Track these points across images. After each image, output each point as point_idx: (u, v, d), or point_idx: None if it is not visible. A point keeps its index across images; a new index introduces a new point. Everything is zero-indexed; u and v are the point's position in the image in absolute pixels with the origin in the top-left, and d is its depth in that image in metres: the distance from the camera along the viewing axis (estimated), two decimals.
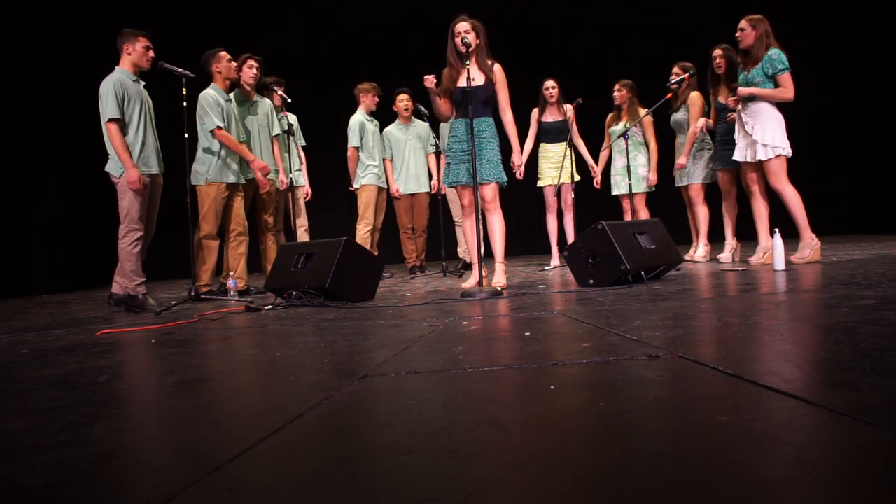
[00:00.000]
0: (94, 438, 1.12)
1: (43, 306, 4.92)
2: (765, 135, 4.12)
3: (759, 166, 4.28)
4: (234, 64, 4.51)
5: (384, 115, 5.95)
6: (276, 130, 5.01)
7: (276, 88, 5.07)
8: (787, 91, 4.07)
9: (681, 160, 5.07)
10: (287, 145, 4.85)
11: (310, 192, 5.48)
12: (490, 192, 3.68)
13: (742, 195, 4.87)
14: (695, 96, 5.02)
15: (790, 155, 4.14)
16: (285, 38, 8.29)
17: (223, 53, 4.46)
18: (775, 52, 4.07)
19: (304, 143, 5.58)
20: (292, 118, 5.45)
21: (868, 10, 8.22)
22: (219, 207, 4.36)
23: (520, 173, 3.96)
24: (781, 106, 4.19)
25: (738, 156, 4.36)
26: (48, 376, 1.79)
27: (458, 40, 3.58)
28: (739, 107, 4.29)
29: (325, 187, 5.70)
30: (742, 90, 4.18)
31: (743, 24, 4.18)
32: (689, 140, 5.03)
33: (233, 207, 4.47)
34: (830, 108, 8.73)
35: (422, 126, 5.91)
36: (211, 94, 4.34)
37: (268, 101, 4.95)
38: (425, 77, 3.61)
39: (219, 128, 4.26)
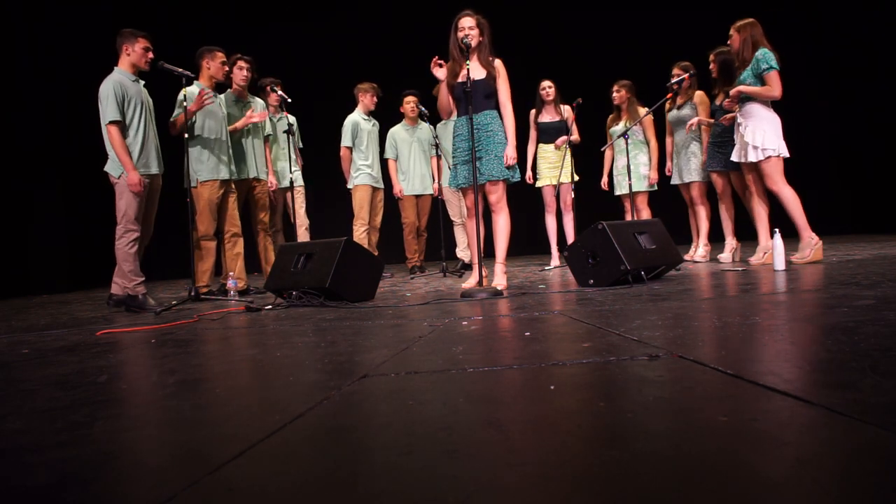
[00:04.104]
0: (94, 438, 1.12)
1: (43, 306, 4.92)
2: (755, 136, 4.14)
3: (757, 167, 4.29)
4: (226, 68, 4.49)
5: (389, 117, 5.96)
6: (269, 131, 5.02)
7: (275, 88, 5.07)
8: (773, 89, 4.08)
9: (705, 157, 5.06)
10: (288, 145, 4.85)
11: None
12: (497, 191, 3.64)
13: (737, 195, 4.89)
14: (702, 94, 5.06)
15: (786, 156, 4.14)
16: (289, 37, 8.30)
17: (219, 53, 4.45)
18: (762, 53, 4.11)
19: (301, 145, 5.57)
20: (291, 119, 5.45)
21: (867, 8, 8.22)
22: (213, 208, 4.36)
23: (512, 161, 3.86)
24: (776, 107, 4.21)
25: (734, 157, 4.40)
26: (48, 376, 1.79)
27: (459, 36, 3.56)
28: (737, 108, 4.32)
29: (326, 187, 5.70)
30: (733, 91, 4.25)
31: (731, 31, 4.30)
32: (705, 135, 5.04)
33: (227, 208, 4.47)
34: (830, 107, 8.73)
35: (425, 128, 5.93)
36: (193, 92, 4.29)
37: (260, 101, 4.95)
38: (434, 60, 3.58)
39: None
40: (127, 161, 3.78)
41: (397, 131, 5.90)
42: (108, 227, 4.13)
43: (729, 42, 4.34)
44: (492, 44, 3.69)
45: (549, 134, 5.54)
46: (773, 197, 4.33)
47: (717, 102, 4.82)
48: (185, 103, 4.10)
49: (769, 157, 4.11)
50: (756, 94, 4.14)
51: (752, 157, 4.18)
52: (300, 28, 8.50)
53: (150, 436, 1.16)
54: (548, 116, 5.55)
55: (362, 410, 1.23)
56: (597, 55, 8.31)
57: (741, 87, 4.19)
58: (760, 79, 4.13)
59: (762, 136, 4.13)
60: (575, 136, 5.50)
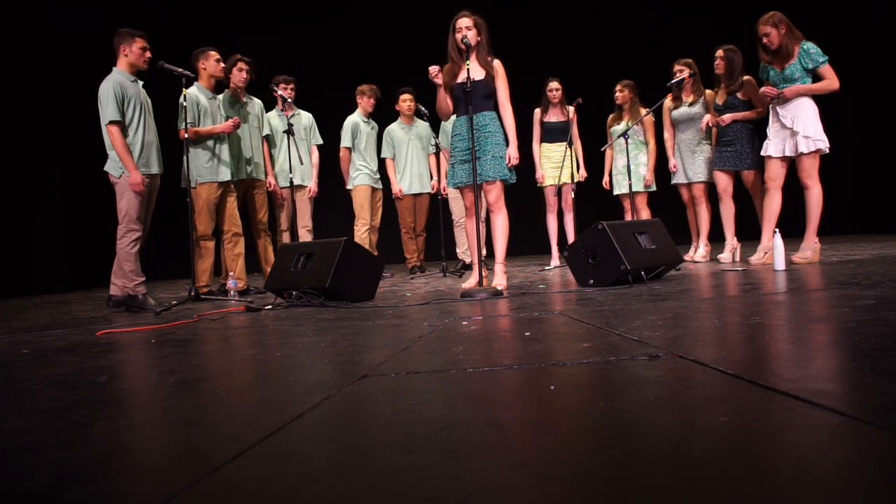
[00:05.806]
0: (94, 438, 1.12)
1: (43, 306, 4.92)
2: (807, 127, 4.08)
3: (788, 162, 4.22)
4: (222, 64, 4.50)
5: (387, 115, 5.95)
6: (267, 131, 5.02)
7: (275, 88, 5.07)
8: (834, 81, 4.05)
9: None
10: (287, 145, 4.85)
11: (314, 190, 5.44)
12: (495, 191, 3.64)
13: (738, 195, 4.87)
14: (712, 93, 5.02)
15: (827, 151, 4.11)
16: (289, 37, 8.30)
17: (213, 52, 4.46)
18: (812, 47, 4.05)
19: (320, 141, 5.55)
20: (307, 116, 5.43)
21: (867, 7, 8.22)
22: (211, 207, 4.36)
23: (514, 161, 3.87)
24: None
25: (772, 150, 4.25)
26: (48, 376, 1.79)
27: (458, 36, 3.56)
28: (770, 100, 4.22)
29: (326, 187, 5.69)
30: (788, 91, 4.09)
31: (766, 28, 4.10)
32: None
33: (226, 208, 4.47)
34: (830, 107, 8.71)
35: (423, 126, 5.91)
36: (193, 93, 4.30)
37: (258, 101, 4.96)
38: (430, 68, 3.58)
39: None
40: (128, 160, 3.79)
41: (393, 130, 5.88)
42: (108, 227, 4.13)
43: (766, 41, 4.11)
44: (490, 44, 3.69)
45: (554, 134, 5.55)
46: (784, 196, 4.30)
47: (720, 102, 4.79)
48: (184, 103, 4.09)
49: (818, 149, 4.08)
50: (819, 90, 4.07)
51: (802, 148, 4.08)
52: (299, 28, 8.49)
53: (150, 436, 1.16)
54: (554, 117, 5.57)
55: (362, 410, 1.23)
56: (597, 55, 8.30)
57: (801, 88, 4.06)
58: (812, 73, 4.08)
59: (813, 127, 4.08)
60: (577, 145, 5.55)
